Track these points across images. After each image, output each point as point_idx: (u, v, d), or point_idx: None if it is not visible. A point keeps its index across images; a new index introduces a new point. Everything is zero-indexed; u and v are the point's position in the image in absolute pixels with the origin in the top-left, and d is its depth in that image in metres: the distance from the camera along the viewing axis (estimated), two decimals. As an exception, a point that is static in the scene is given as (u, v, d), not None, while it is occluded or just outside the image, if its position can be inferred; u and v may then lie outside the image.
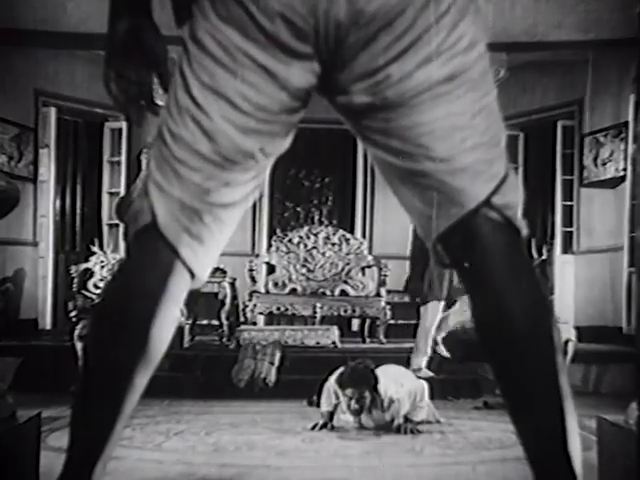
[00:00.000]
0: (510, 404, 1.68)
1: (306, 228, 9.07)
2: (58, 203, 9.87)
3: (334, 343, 7.67)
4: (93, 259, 7.86)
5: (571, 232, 9.51)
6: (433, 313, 6.81)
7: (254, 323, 8.25)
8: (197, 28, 1.62)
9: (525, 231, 1.66)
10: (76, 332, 6.77)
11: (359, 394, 5.01)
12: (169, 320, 1.69)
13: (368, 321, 8.65)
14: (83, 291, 7.62)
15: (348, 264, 8.68)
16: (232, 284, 8.35)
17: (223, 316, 8.14)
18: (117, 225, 9.59)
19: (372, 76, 1.60)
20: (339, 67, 1.62)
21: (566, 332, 7.29)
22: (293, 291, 8.57)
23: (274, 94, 1.61)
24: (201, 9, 1.62)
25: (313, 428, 5.16)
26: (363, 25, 1.57)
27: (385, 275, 8.48)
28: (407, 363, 6.55)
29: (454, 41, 1.60)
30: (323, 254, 8.72)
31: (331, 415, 5.18)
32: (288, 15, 1.57)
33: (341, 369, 5.11)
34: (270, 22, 1.57)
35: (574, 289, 9.31)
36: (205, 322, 8.66)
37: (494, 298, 1.64)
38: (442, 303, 6.78)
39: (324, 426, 5.15)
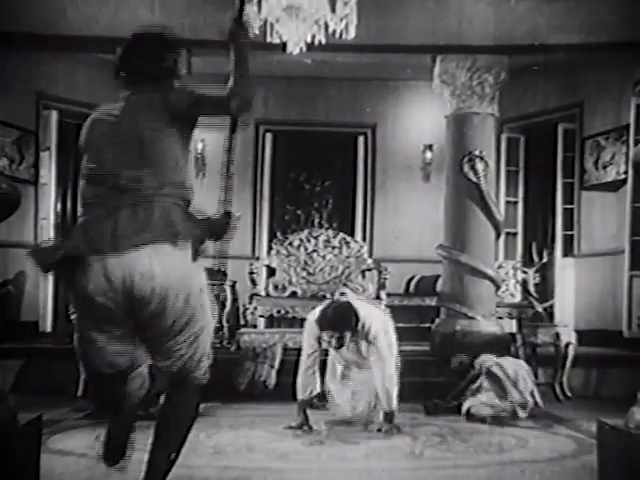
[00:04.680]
0: None
1: (306, 231, 9.04)
2: (59, 206, 9.85)
3: (334, 346, 7.67)
4: (93, 262, 7.85)
5: (572, 235, 9.50)
6: None
7: (254, 326, 8.23)
8: None
9: None
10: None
11: (339, 334, 5.26)
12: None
13: (368, 324, 8.63)
14: (84, 294, 7.61)
15: (348, 267, 8.66)
16: (232, 287, 8.35)
17: (223, 319, 8.14)
18: (117, 228, 9.57)
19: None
20: None
21: (567, 336, 7.30)
22: (293, 294, 8.55)
23: None
24: None
25: (304, 428, 5.28)
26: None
27: (385, 278, 8.46)
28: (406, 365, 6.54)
29: None
30: (323, 257, 8.70)
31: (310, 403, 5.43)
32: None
33: (323, 309, 5.31)
34: None
35: (575, 293, 9.30)
36: (205, 325, 8.64)
37: None
38: None
39: (301, 426, 5.34)
